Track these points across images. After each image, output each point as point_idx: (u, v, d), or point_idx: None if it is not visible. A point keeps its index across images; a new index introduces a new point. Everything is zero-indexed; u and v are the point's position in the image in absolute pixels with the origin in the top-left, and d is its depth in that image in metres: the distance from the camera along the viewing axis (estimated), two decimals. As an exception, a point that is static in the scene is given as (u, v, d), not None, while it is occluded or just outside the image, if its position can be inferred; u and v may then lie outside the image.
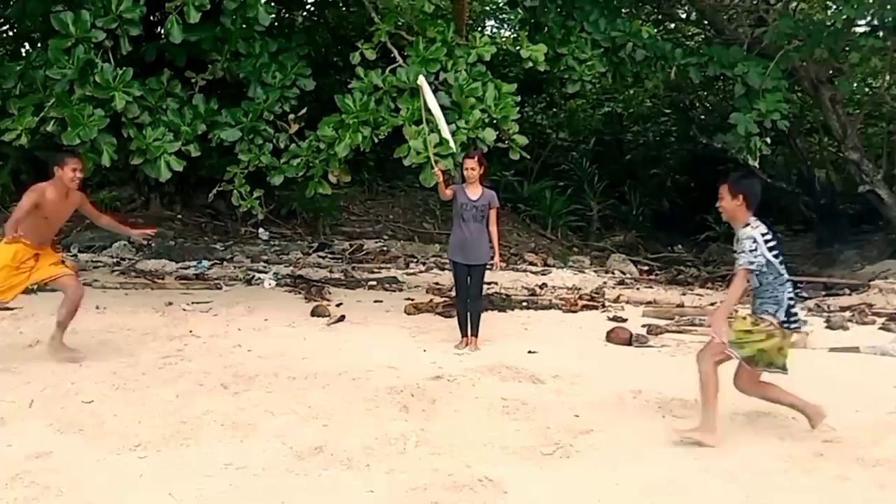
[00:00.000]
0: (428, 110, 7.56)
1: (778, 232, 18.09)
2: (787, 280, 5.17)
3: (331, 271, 12.12)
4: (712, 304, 10.65)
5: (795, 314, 5.17)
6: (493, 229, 7.62)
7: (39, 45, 11.14)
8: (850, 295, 11.45)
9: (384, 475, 4.54)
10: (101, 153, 8.12)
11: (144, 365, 6.54)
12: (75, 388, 5.91)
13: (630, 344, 7.82)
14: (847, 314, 9.69)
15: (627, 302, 10.45)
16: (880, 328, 8.88)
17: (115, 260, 12.10)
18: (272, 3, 9.17)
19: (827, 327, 8.94)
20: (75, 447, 4.89)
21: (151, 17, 10.31)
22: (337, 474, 4.55)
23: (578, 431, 5.24)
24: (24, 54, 12.36)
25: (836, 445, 5.10)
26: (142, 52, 9.57)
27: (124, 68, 8.18)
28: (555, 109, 20.10)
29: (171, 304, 8.95)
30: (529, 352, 7.40)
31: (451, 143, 7.49)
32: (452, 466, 4.66)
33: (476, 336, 7.58)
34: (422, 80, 7.41)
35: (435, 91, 8.06)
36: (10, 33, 13.69)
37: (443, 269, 12.47)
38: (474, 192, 7.55)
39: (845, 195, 16.24)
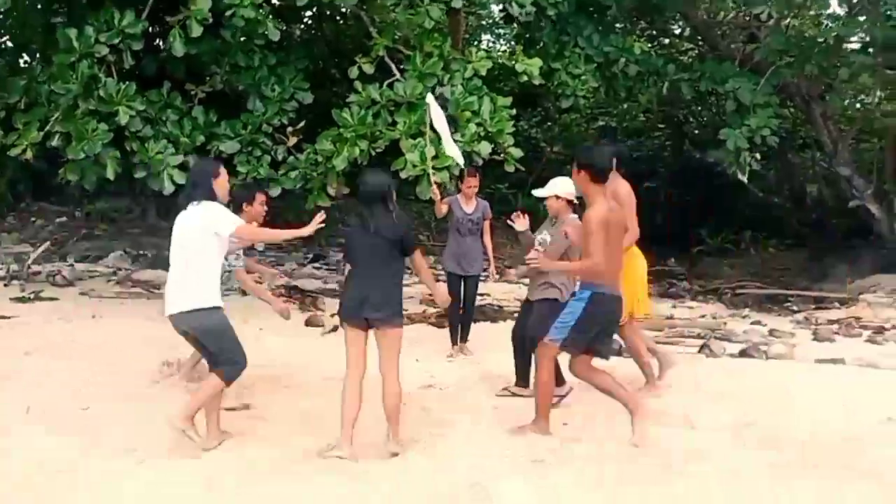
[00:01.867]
0: (433, 129, 7.59)
1: (770, 246, 18.17)
2: None
3: (325, 282, 12.21)
4: (702, 317, 10.79)
5: None
6: (487, 240, 7.82)
7: (39, 56, 11.27)
8: (839, 308, 11.58)
9: (382, 481, 4.64)
10: (105, 167, 8.25)
11: (141, 372, 6.63)
12: (72, 395, 5.99)
13: (619, 355, 7.90)
14: (834, 327, 9.82)
15: (619, 314, 10.54)
16: (866, 340, 9.01)
17: (111, 270, 12.19)
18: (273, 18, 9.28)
19: (814, 339, 9.07)
20: (75, 454, 4.96)
21: (150, 31, 10.44)
22: (331, 480, 4.64)
23: (567, 440, 5.34)
24: (23, 66, 12.49)
25: (824, 454, 5.20)
26: (142, 66, 9.70)
27: (127, 83, 8.33)
28: (549, 123, 20.24)
29: (167, 313, 9.02)
30: (521, 362, 7.49)
31: (459, 160, 7.55)
32: (444, 473, 4.75)
33: (465, 342, 7.73)
34: (430, 99, 7.49)
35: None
36: (9, 44, 13.81)
37: (436, 280, 12.55)
38: (469, 205, 7.70)
39: (837, 210, 16.39)
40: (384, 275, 4.97)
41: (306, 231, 5.17)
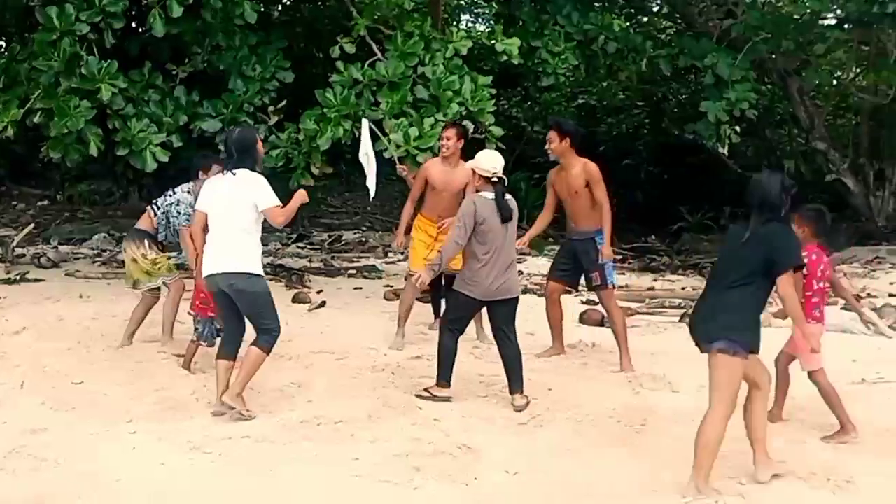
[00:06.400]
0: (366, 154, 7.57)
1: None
2: None
3: (310, 261, 12.30)
4: (683, 289, 10.97)
5: None
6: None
7: (16, 38, 11.21)
8: (816, 280, 11.77)
9: (368, 444, 4.78)
10: (88, 144, 8.27)
11: (131, 349, 6.70)
12: (65, 371, 6.07)
13: (602, 325, 8.07)
14: (811, 296, 10.00)
15: (601, 287, 10.70)
16: (842, 308, 9.20)
17: (95, 251, 12.20)
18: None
19: (791, 308, 9.23)
20: (69, 423, 5.07)
21: (132, 12, 10.42)
22: (323, 444, 4.78)
23: (552, 403, 5.49)
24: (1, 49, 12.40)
25: (797, 413, 5.39)
26: (126, 46, 9.70)
27: (109, 61, 8.32)
28: (530, 103, 20.32)
29: (154, 292, 9.08)
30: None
31: (371, 190, 7.51)
32: (433, 436, 4.90)
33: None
34: (365, 125, 7.58)
35: (375, 138, 7.99)
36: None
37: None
38: None
39: (814, 184, 16.61)
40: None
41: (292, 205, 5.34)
